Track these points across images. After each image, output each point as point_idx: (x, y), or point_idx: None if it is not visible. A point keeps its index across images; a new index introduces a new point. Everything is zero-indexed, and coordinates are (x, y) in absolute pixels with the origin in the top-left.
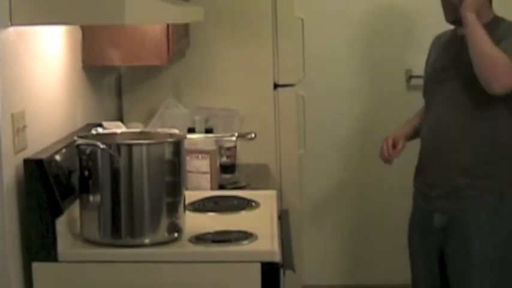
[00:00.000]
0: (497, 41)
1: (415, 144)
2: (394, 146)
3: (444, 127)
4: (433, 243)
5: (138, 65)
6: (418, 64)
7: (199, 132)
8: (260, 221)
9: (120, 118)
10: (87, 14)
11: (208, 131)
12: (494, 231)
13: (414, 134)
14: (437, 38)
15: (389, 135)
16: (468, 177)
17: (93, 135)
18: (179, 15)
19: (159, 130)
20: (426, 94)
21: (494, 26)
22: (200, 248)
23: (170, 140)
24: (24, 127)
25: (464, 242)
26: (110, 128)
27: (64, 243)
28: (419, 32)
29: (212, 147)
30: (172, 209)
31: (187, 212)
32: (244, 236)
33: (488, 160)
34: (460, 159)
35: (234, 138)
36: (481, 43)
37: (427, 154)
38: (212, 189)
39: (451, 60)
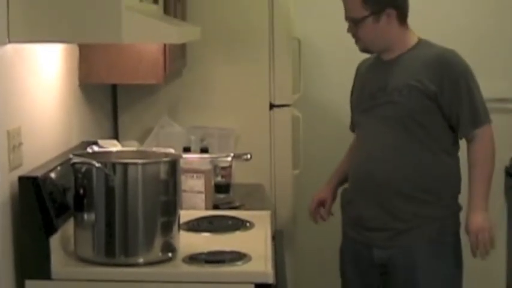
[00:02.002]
0: (438, 74)
1: None
2: (323, 204)
3: (375, 158)
4: (373, 278)
5: (135, 84)
6: None
7: (195, 152)
8: (254, 242)
9: (115, 136)
10: (84, 32)
11: (204, 150)
12: (437, 262)
13: (344, 181)
14: (362, 64)
15: (315, 195)
16: (405, 210)
17: (88, 153)
18: (176, 35)
19: (155, 149)
20: (356, 123)
21: (419, 49)
22: (194, 269)
23: (166, 159)
24: (20, 144)
25: (407, 274)
26: (105, 146)
27: (58, 261)
28: None
29: (207, 166)
30: (167, 228)
31: (181, 232)
32: (238, 256)
33: (426, 190)
34: (394, 191)
35: (229, 159)
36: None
37: (359, 185)
38: (207, 208)
39: (377, 88)
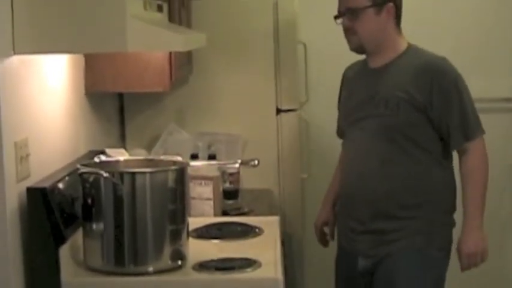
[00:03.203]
0: (427, 84)
1: None
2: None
3: (361, 175)
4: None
5: (141, 92)
6: None
7: (202, 158)
8: (263, 248)
9: (123, 144)
10: (89, 42)
11: (211, 156)
12: (423, 274)
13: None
14: (348, 70)
15: (315, 222)
16: (392, 221)
17: (96, 163)
18: (181, 42)
19: (162, 157)
20: (344, 134)
21: (408, 56)
22: (204, 276)
23: (173, 167)
24: (28, 155)
25: (389, 284)
26: (113, 155)
27: (67, 271)
28: None
29: (215, 173)
30: (176, 236)
31: (190, 239)
32: (248, 263)
33: (413, 206)
34: (379, 210)
35: (237, 165)
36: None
37: (345, 201)
38: (215, 215)
39: (364, 98)
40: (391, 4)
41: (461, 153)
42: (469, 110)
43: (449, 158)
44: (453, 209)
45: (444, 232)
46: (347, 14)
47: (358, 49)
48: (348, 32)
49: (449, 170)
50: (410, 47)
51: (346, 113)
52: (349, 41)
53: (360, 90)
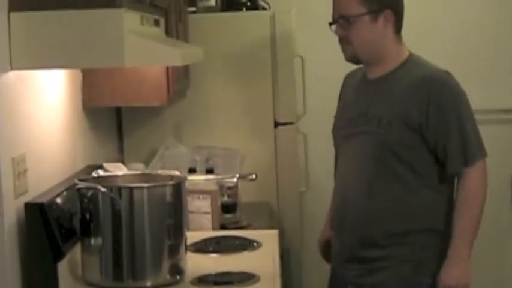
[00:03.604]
0: (424, 101)
1: None
2: (329, 243)
3: (348, 193)
4: None
5: (139, 106)
6: None
7: (200, 172)
8: (262, 262)
9: (120, 159)
10: (87, 57)
11: (209, 170)
12: None
13: None
14: (350, 77)
15: (319, 239)
16: (378, 249)
17: (93, 178)
18: (179, 57)
19: (160, 172)
20: (336, 147)
21: (407, 68)
22: None
23: (171, 182)
24: (25, 170)
25: None
26: (110, 170)
27: (66, 286)
28: None
29: (213, 187)
30: (174, 250)
31: (188, 253)
32: (247, 277)
33: (398, 231)
34: (366, 230)
35: (235, 179)
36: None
37: (336, 216)
38: (214, 229)
39: (358, 113)
40: (389, 10)
41: (459, 178)
42: (470, 130)
43: (445, 182)
44: (448, 235)
45: (435, 259)
46: (340, 21)
47: (353, 59)
48: (342, 41)
49: (445, 195)
50: (410, 58)
51: (339, 126)
52: (343, 51)
53: (354, 103)
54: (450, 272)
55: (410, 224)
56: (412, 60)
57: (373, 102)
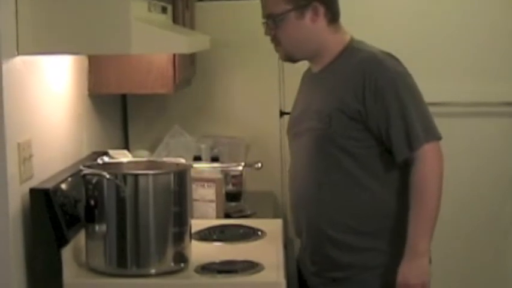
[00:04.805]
0: (360, 87)
1: None
2: None
3: (300, 200)
4: None
5: (144, 94)
6: None
7: (205, 161)
8: (266, 251)
9: (126, 146)
10: (93, 43)
11: (214, 159)
12: None
13: None
14: (305, 73)
15: None
16: (339, 258)
17: (99, 164)
18: (186, 45)
19: (165, 159)
20: (289, 147)
21: (344, 57)
22: (206, 279)
23: (176, 169)
24: (31, 156)
25: None
26: (115, 157)
27: (70, 272)
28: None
29: (218, 175)
30: (178, 238)
31: (193, 241)
32: (250, 266)
33: (359, 233)
34: (323, 237)
35: (240, 168)
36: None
37: (295, 217)
38: (218, 217)
39: (301, 110)
40: (316, 3)
41: (408, 165)
42: (413, 113)
43: (398, 174)
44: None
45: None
46: (268, 21)
47: (288, 59)
48: (273, 41)
49: (398, 191)
50: (350, 45)
51: (288, 125)
52: (276, 51)
53: (300, 100)
54: (406, 271)
55: (368, 225)
56: (350, 47)
57: (314, 97)
